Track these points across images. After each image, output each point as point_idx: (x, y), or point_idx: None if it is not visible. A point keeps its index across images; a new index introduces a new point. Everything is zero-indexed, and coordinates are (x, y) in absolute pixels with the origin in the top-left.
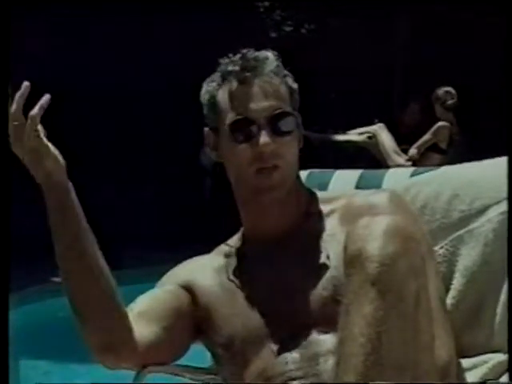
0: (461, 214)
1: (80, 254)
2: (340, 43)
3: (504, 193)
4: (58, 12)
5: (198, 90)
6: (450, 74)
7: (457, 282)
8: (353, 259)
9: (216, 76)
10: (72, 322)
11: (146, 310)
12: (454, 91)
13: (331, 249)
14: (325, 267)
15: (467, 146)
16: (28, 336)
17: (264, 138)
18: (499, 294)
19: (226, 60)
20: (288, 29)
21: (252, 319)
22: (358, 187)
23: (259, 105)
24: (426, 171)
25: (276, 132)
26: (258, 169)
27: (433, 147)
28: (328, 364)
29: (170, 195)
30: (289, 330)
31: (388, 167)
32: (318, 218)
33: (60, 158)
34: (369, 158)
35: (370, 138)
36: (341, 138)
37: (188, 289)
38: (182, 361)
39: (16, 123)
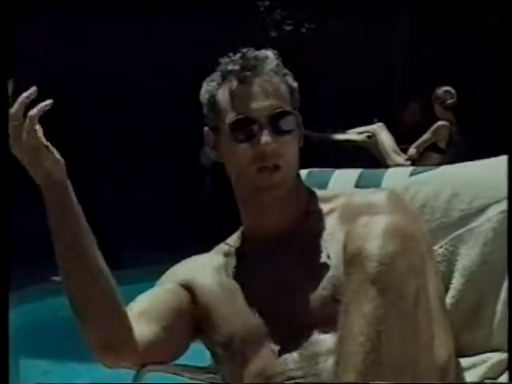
0: (460, 213)
1: (80, 254)
2: (340, 43)
3: (504, 192)
4: (58, 12)
5: (198, 89)
6: (450, 74)
7: (456, 282)
8: (352, 258)
9: (216, 75)
10: (72, 322)
11: (145, 310)
12: (454, 91)
13: (331, 248)
14: (325, 267)
15: (467, 146)
16: (28, 335)
17: (265, 137)
18: (499, 293)
19: (226, 59)
20: (288, 28)
21: (251, 318)
22: (357, 186)
23: (260, 104)
24: (426, 171)
25: (277, 131)
26: (258, 168)
27: (432, 147)
28: (328, 363)
29: (169, 195)
30: (288, 330)
31: (387, 166)
32: (318, 216)
33: (59, 157)
34: (368, 158)
35: (369, 137)
36: (340, 137)
37: (188, 288)
38: (182, 360)
39: (16, 123)
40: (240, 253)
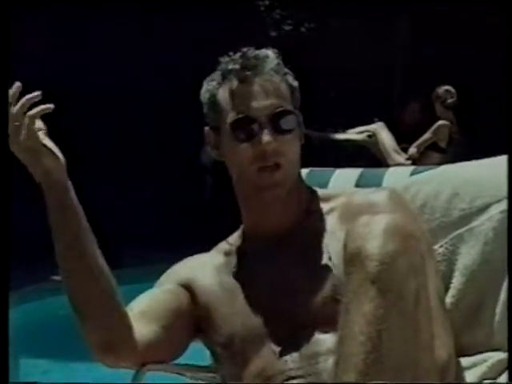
0: (461, 212)
1: (80, 253)
2: (340, 43)
3: (504, 191)
4: (58, 12)
5: (198, 89)
6: (450, 74)
7: (456, 281)
8: (352, 258)
9: (216, 75)
10: (72, 321)
11: (145, 310)
12: (454, 90)
13: (331, 247)
14: (326, 267)
15: (467, 146)
16: (28, 335)
17: (266, 136)
18: (499, 292)
19: (227, 59)
20: (288, 28)
21: (252, 318)
22: (357, 186)
23: (260, 103)
24: (426, 170)
25: (277, 130)
26: (259, 167)
27: (433, 146)
28: (328, 363)
29: (169, 195)
30: (289, 329)
31: (388, 166)
32: (319, 216)
33: (60, 156)
34: (369, 157)
35: (369, 136)
36: (341, 136)
37: (188, 287)
38: (182, 359)
39: (17, 123)
40: (241, 252)
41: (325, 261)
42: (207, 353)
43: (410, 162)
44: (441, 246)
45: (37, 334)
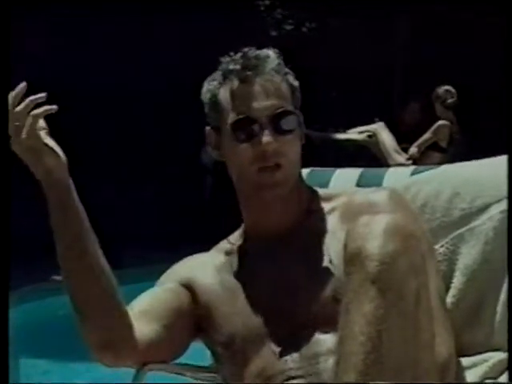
0: (461, 212)
1: (81, 253)
2: (340, 42)
3: (504, 191)
4: (58, 12)
5: (199, 89)
6: (450, 74)
7: (457, 281)
8: (353, 258)
9: (217, 75)
10: (72, 321)
11: (146, 309)
12: (454, 90)
13: (332, 247)
14: (327, 268)
15: (467, 145)
16: (28, 335)
17: (266, 137)
18: (499, 292)
19: (227, 58)
20: (289, 27)
21: (252, 318)
22: (358, 186)
23: (261, 104)
24: (427, 170)
25: (278, 131)
26: (260, 168)
27: (433, 146)
28: (328, 363)
29: (169, 195)
30: (289, 329)
31: (388, 166)
32: (320, 215)
33: (61, 155)
34: (369, 157)
35: (370, 136)
36: (341, 136)
37: (188, 287)
38: (182, 359)
39: (18, 123)
40: (241, 251)
41: (325, 261)
42: (208, 353)
43: (410, 161)
44: (441, 246)
45: (36, 334)
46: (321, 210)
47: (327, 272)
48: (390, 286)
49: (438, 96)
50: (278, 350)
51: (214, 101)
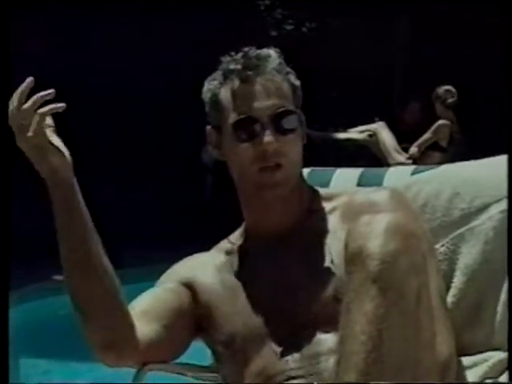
0: (461, 212)
1: (85, 253)
2: (340, 42)
3: (504, 191)
4: (58, 12)
5: (199, 89)
6: (450, 74)
7: (457, 280)
8: (354, 257)
9: (218, 74)
10: (72, 321)
11: (147, 309)
12: (455, 90)
13: (333, 247)
14: (328, 268)
15: (467, 145)
16: (28, 335)
17: (267, 136)
18: (500, 292)
19: (228, 58)
20: (289, 27)
21: (253, 317)
22: (359, 185)
23: (262, 103)
24: (427, 169)
25: (279, 130)
26: (260, 167)
27: (433, 145)
28: (329, 363)
29: (169, 195)
30: (290, 329)
31: (389, 165)
32: (320, 215)
33: (66, 154)
34: (369, 156)
35: (370, 136)
36: (342, 136)
37: (189, 286)
38: (183, 359)
39: (23, 121)
40: (242, 251)
41: (327, 261)
42: (208, 352)
43: (410, 161)
44: (442, 246)
45: (37, 334)
46: (322, 209)
47: (328, 272)
48: (390, 285)
49: (438, 96)
50: (278, 349)
51: (215, 100)
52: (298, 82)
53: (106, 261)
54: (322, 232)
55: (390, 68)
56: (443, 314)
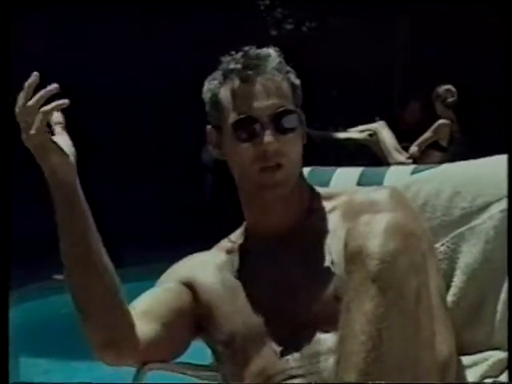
0: (462, 211)
1: (85, 251)
2: (341, 42)
3: (505, 190)
4: (58, 12)
5: (199, 89)
6: (450, 74)
7: (457, 280)
8: (353, 256)
9: (218, 74)
10: (73, 320)
11: (147, 309)
12: (455, 89)
13: (333, 246)
14: (328, 268)
15: (467, 144)
16: (28, 334)
17: (267, 136)
18: (500, 291)
19: (228, 58)
20: (289, 27)
21: (253, 317)
22: (359, 184)
23: (262, 103)
24: (427, 169)
25: (279, 130)
26: (261, 167)
27: (433, 145)
28: (329, 362)
29: (169, 195)
30: (290, 329)
31: (389, 165)
32: (321, 214)
33: (69, 154)
34: (370, 156)
35: (370, 135)
36: (342, 135)
37: (189, 286)
38: (183, 358)
39: (27, 119)
40: (243, 250)
41: (326, 260)
42: (208, 351)
43: (410, 160)
44: (442, 245)
45: (37, 333)
46: (322, 208)
47: (328, 271)
48: (390, 284)
49: (439, 95)
50: (278, 349)
51: (215, 100)
52: (297, 82)
53: (106, 259)
54: (322, 231)
55: (389, 68)
56: (443, 314)
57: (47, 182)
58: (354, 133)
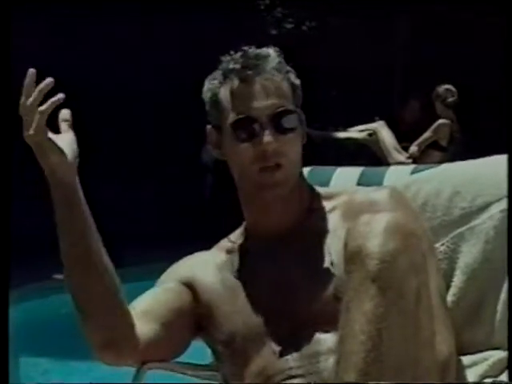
0: (462, 211)
1: (85, 251)
2: (341, 42)
3: (505, 190)
4: (58, 12)
5: (199, 89)
6: (450, 74)
7: (457, 279)
8: (353, 256)
9: (218, 74)
10: (72, 320)
11: (147, 309)
12: (455, 89)
13: (332, 246)
14: (328, 270)
15: (467, 144)
16: (28, 334)
17: (267, 137)
18: (500, 291)
19: (228, 57)
20: (289, 26)
21: (253, 317)
22: (359, 184)
23: (261, 103)
24: (427, 168)
25: (279, 130)
26: (260, 168)
27: (433, 144)
28: (328, 362)
29: (170, 195)
30: (290, 329)
31: (389, 164)
32: (320, 214)
33: (68, 154)
34: (369, 156)
35: (370, 135)
36: (342, 135)
37: (189, 285)
38: (183, 358)
39: (27, 118)
40: (243, 250)
41: (326, 260)
42: (208, 351)
43: (410, 160)
44: (442, 245)
45: (37, 333)
46: (322, 208)
47: (328, 271)
48: (390, 284)
49: (438, 95)
50: (278, 349)
51: (215, 100)
52: (297, 81)
53: (106, 259)
54: (322, 231)
55: (390, 68)
56: (443, 313)
57: (47, 181)
58: (354, 132)
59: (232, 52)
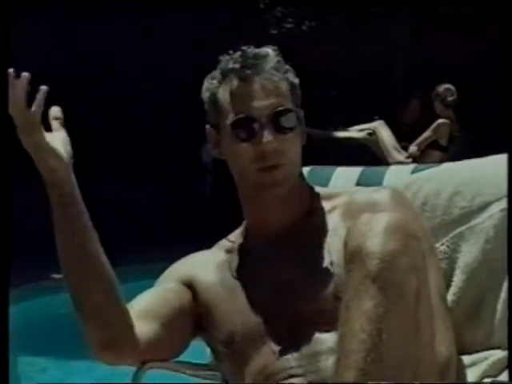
0: (461, 210)
1: (82, 251)
2: (341, 41)
3: (505, 190)
4: (58, 12)
5: (199, 89)
6: (451, 74)
7: (457, 279)
8: (353, 255)
9: (216, 73)
10: (71, 319)
11: (146, 308)
12: (454, 88)
13: (332, 246)
14: (328, 270)
15: (467, 144)
16: (27, 333)
17: (266, 136)
18: (499, 290)
19: (227, 57)
20: (289, 26)
21: (252, 316)
22: (358, 184)
23: (260, 103)
24: (427, 168)
25: (278, 129)
26: (260, 167)
27: (433, 144)
28: (329, 362)
29: (170, 194)
30: (289, 328)
31: (388, 164)
32: (320, 214)
33: (63, 155)
34: (369, 155)
35: (370, 134)
36: (341, 134)
37: (189, 285)
38: (182, 357)
39: (19, 120)
40: (242, 249)
41: (326, 260)
42: (208, 350)
43: (410, 160)
44: (442, 244)
45: (36, 332)
46: (321, 208)
47: (327, 271)
48: (390, 284)
49: (438, 94)
50: (278, 348)
51: (214, 99)
52: (296, 81)
53: (104, 259)
54: (322, 231)
55: (390, 68)
56: (443, 313)
57: (44, 181)
58: (354, 132)
59: (231, 51)
